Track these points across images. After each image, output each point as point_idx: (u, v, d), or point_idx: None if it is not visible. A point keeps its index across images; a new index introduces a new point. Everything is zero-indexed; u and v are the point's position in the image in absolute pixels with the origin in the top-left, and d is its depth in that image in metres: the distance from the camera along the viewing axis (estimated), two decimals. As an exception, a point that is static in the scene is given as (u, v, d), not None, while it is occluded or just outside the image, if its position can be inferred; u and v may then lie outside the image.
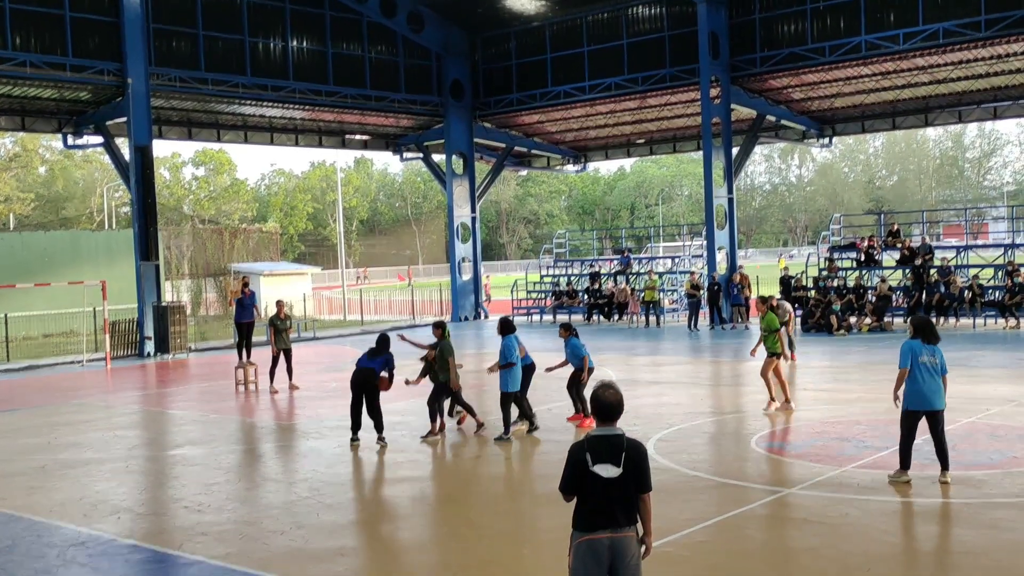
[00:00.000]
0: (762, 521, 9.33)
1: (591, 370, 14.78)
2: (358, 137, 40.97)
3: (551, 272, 40.33)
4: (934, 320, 26.28)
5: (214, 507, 10.61)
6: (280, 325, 19.85)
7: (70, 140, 33.52)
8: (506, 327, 14.34)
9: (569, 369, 15.16)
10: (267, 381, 20.24)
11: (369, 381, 13.44)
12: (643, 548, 5.97)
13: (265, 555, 8.90)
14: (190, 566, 8.63)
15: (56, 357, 29.10)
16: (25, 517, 10.49)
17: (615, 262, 39.29)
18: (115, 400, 20.04)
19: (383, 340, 13.90)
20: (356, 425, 13.61)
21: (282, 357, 19.99)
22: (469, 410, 14.60)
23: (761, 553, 8.44)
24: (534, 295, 39.22)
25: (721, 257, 33.25)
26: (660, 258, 41.79)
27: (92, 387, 22.47)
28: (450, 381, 14.02)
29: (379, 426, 13.54)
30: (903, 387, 10.13)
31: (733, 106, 32.96)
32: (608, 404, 5.88)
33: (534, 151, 43.99)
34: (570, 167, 46.57)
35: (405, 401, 16.45)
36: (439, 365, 14.14)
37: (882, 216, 41.43)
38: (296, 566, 8.48)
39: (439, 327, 14.42)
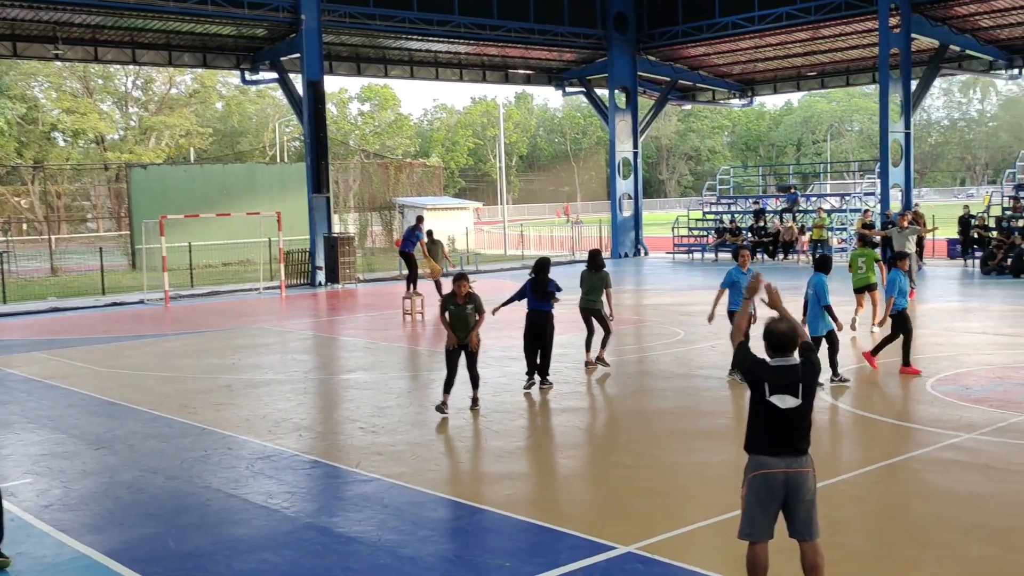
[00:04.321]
0: (940, 465, 9.01)
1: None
2: (521, 71, 40.97)
3: (713, 209, 39.58)
4: None
5: (387, 429, 11.02)
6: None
7: (247, 76, 34.88)
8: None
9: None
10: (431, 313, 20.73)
11: (545, 325, 12.83)
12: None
13: (437, 476, 9.21)
14: (367, 483, 9.02)
15: (235, 284, 30.65)
16: (216, 431, 11.19)
17: (781, 199, 38.20)
18: (290, 326, 20.99)
19: (543, 272, 12.87)
20: (533, 368, 12.99)
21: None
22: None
23: (939, 496, 8.17)
24: (696, 233, 38.63)
25: (895, 195, 31.85)
26: (828, 195, 40.35)
27: (269, 313, 23.60)
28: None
29: (546, 368, 13.00)
30: None
31: (913, 35, 31.23)
32: (782, 334, 5.91)
33: (699, 85, 43.03)
34: (736, 101, 45.38)
35: (567, 335, 16.56)
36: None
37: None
38: (467, 488, 8.75)
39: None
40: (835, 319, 12.45)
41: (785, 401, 5.76)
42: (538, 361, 12.92)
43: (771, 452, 5.80)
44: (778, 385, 5.79)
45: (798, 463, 5.80)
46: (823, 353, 12.11)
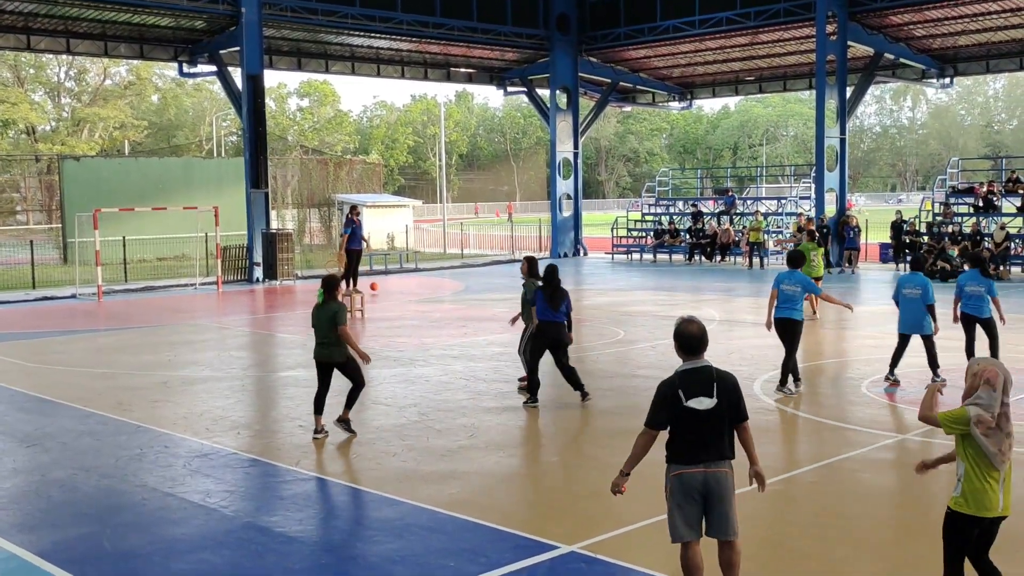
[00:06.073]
0: (876, 465, 9.18)
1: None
2: (463, 70, 40.90)
3: (652, 211, 39.93)
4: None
5: (327, 427, 10.89)
6: None
7: (185, 68, 34.28)
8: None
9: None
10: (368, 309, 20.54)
11: (560, 338, 11.75)
12: (756, 477, 5.95)
13: (378, 475, 9.14)
14: (307, 481, 8.92)
15: (170, 280, 30.12)
16: (152, 428, 10.97)
17: (719, 202, 38.70)
18: (228, 322, 20.69)
19: (555, 277, 11.79)
20: (537, 384, 11.97)
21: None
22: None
23: (875, 496, 8.32)
24: (635, 234, 38.94)
25: (830, 199, 32.47)
26: (764, 199, 40.98)
27: (205, 309, 23.23)
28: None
29: (579, 383, 11.95)
30: None
31: (849, 43, 31.84)
32: (692, 336, 5.91)
33: (639, 87, 43.37)
34: (675, 104, 45.81)
35: (510, 334, 16.57)
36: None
37: (1002, 161, 39.74)
38: (408, 486, 8.69)
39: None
40: (935, 319, 12.41)
41: (702, 403, 5.74)
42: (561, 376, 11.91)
43: (691, 460, 5.78)
44: (693, 389, 5.77)
45: (716, 464, 5.80)
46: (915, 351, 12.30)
